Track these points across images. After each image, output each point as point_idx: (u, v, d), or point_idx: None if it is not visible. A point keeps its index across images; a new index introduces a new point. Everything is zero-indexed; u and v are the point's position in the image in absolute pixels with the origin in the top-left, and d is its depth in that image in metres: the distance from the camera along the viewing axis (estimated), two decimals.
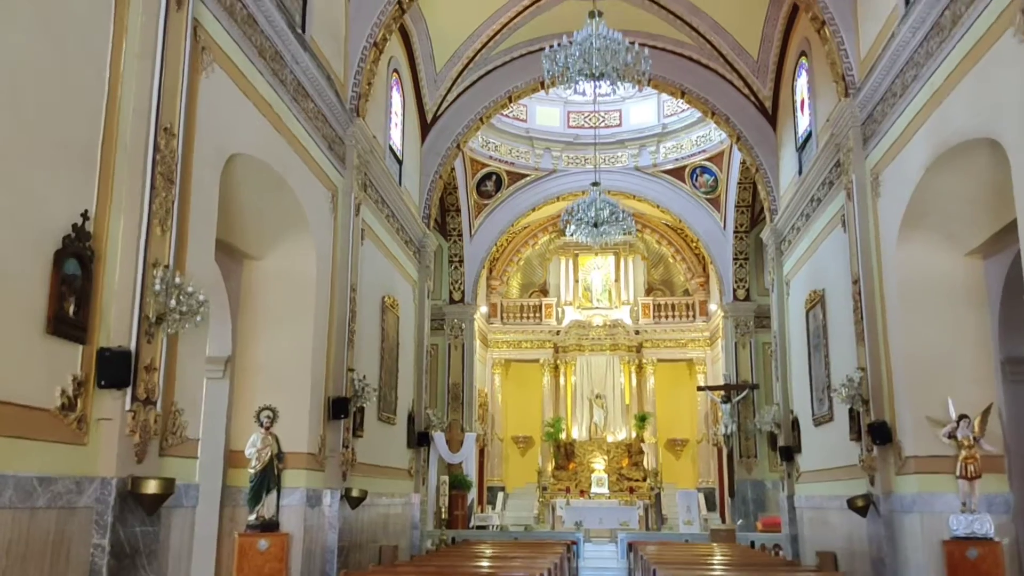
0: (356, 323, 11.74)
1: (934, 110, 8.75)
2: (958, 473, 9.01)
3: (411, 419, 15.48)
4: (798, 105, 14.74)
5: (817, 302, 13.38)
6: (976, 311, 9.54)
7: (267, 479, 9.43)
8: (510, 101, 17.45)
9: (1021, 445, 9.17)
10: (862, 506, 10.53)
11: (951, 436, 9.13)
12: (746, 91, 16.59)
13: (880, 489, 10.35)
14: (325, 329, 10.90)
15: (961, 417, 9.09)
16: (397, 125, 15.05)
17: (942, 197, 9.20)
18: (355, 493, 11.01)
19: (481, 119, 17.35)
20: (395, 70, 14.73)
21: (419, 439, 15.78)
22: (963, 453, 9.00)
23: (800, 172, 14.47)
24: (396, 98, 14.97)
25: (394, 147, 14.80)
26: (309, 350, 10.32)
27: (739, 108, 16.70)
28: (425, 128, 17.06)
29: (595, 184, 15.07)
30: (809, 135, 13.97)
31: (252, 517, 9.42)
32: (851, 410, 11.45)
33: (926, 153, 9.02)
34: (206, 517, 9.53)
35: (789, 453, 15.23)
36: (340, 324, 11.29)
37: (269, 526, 9.39)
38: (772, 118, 16.40)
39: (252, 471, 9.44)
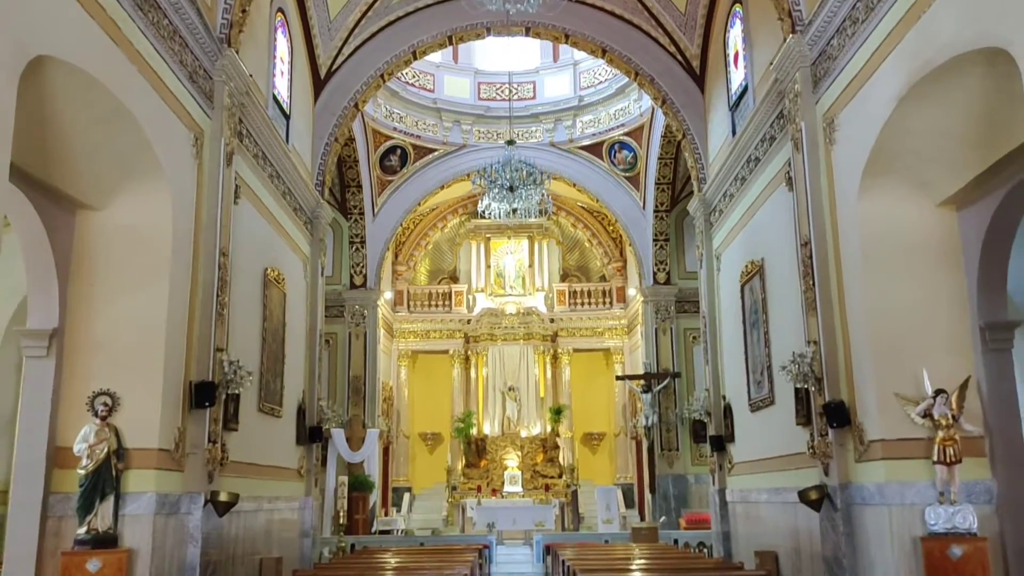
0: (228, 295, 9.83)
1: (910, 28, 7.43)
2: (935, 458, 7.74)
3: (301, 412, 13.58)
4: (731, 60, 13.45)
5: (754, 274, 12.08)
6: (950, 270, 8.30)
7: (101, 482, 7.52)
8: (415, 57, 15.69)
9: (1003, 423, 7.95)
10: (816, 499, 9.20)
11: (926, 415, 7.86)
12: (672, 49, 15.25)
13: (836, 479, 9.04)
14: (185, 299, 8.98)
15: (938, 392, 7.83)
16: (283, 74, 13.14)
17: (914, 136, 7.91)
18: (223, 497, 9.10)
19: (382, 76, 15.53)
20: (280, 9, 12.81)
21: (311, 435, 13.88)
22: (940, 434, 7.74)
23: (734, 133, 13.18)
24: (282, 43, 13.06)
25: (279, 98, 12.89)
26: (163, 324, 8.39)
27: (665, 69, 15.35)
28: (319, 84, 15.15)
29: (510, 143, 13.49)
30: (744, 90, 12.68)
31: (82, 530, 7.49)
32: (798, 391, 10.13)
33: (898, 83, 7.70)
34: (23, 532, 7.53)
35: (720, 443, 13.94)
36: (206, 295, 9.38)
37: (103, 541, 7.47)
38: (700, 79, 15.11)
39: (83, 472, 7.50)
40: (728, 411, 13.68)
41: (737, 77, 13.17)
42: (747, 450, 12.78)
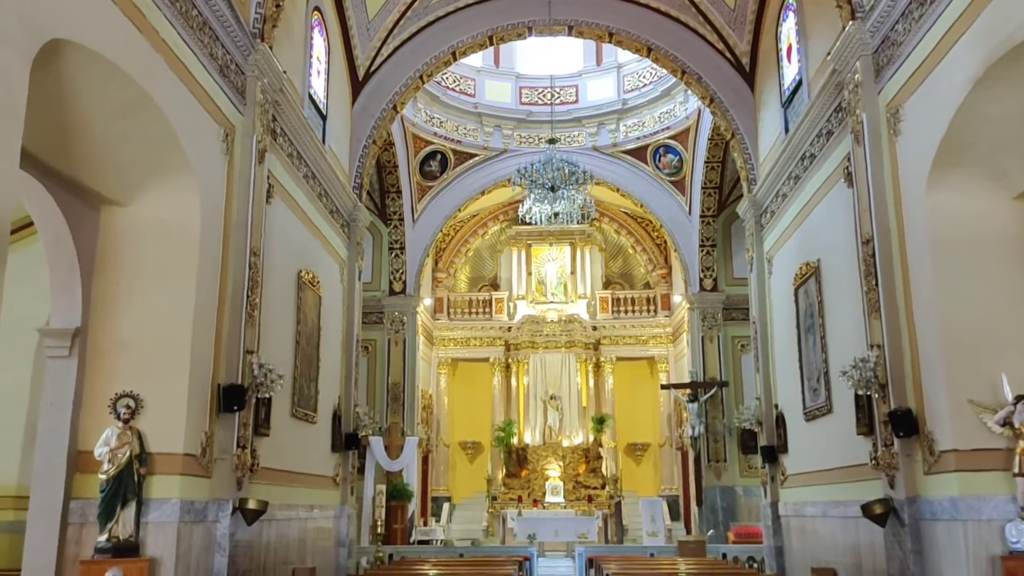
0: (259, 296, 9.50)
1: (986, 5, 6.84)
2: (1016, 470, 7.11)
3: (337, 418, 13.23)
4: (783, 54, 12.87)
5: (809, 276, 11.47)
6: None
7: (123, 488, 7.20)
8: (454, 58, 15.32)
9: None
10: (880, 513, 8.58)
11: (1006, 423, 7.23)
12: (721, 46, 14.69)
13: (903, 492, 8.41)
14: (214, 300, 8.65)
15: (1019, 399, 7.19)
16: (320, 73, 12.85)
17: (989, 123, 7.32)
18: (252, 505, 8.74)
19: (421, 77, 15.19)
20: (317, 7, 12.53)
21: (347, 442, 13.52)
22: (1021, 444, 7.09)
23: (787, 130, 12.59)
24: (319, 42, 12.77)
25: (315, 97, 12.60)
26: (189, 324, 8.05)
27: (713, 66, 14.79)
28: (356, 86, 14.86)
29: (551, 141, 13.03)
30: (799, 85, 12.09)
31: (103, 538, 7.16)
32: (859, 398, 9.52)
33: (972, 65, 7.11)
34: (43, 539, 7.23)
35: (773, 454, 13.29)
36: (236, 295, 9.05)
37: (124, 549, 7.14)
38: (750, 76, 14.53)
39: (104, 477, 7.18)
40: (781, 421, 13.04)
41: (790, 72, 12.59)
42: (802, 461, 12.13)
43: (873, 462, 9.18)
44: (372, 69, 14.93)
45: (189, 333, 8.02)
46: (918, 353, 8.31)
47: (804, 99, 11.69)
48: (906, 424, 8.31)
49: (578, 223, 21.01)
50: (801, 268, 11.80)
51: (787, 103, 12.67)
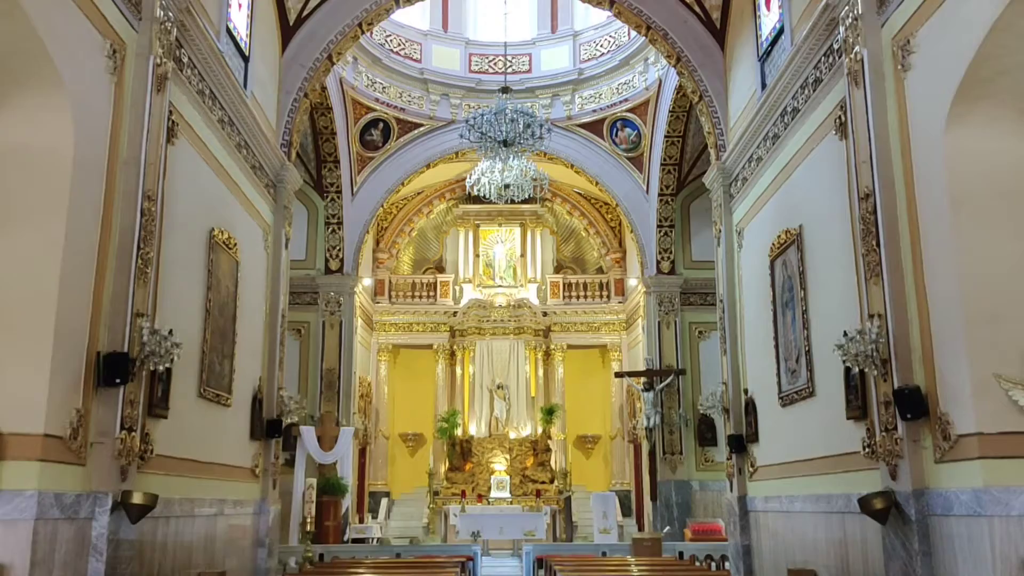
0: (155, 251, 7.96)
1: None
2: None
3: (257, 402, 11.69)
4: (761, 3, 11.69)
5: (789, 244, 10.29)
6: None
7: None
8: (397, 4, 13.81)
9: None
10: (881, 508, 7.39)
11: None
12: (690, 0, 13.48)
13: (908, 484, 7.23)
14: (92, 249, 7.11)
15: None
16: (241, 7, 11.28)
17: None
18: (137, 499, 7.21)
19: (360, 25, 13.65)
20: None
21: (269, 429, 11.98)
22: None
23: (763, 86, 11.41)
24: None
25: (235, 33, 11.03)
26: (55, 275, 6.50)
27: (680, 22, 13.54)
28: (287, 32, 13.30)
29: (504, 91, 11.64)
30: (779, 34, 10.91)
31: None
32: (850, 378, 8.37)
33: None
34: None
35: (741, 444, 12.10)
36: (124, 247, 7.50)
37: None
38: (720, 32, 13.33)
39: None
40: (750, 407, 11.87)
41: (769, 21, 11.41)
42: (775, 451, 10.96)
43: (867, 450, 8.02)
44: (304, 14, 13.37)
45: (55, 286, 6.48)
46: (929, 322, 7.13)
47: (786, 48, 10.51)
48: (914, 404, 7.13)
49: (530, 198, 19.86)
50: (779, 237, 10.62)
51: (764, 56, 11.49)
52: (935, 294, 7.05)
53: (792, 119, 10.23)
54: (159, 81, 8.05)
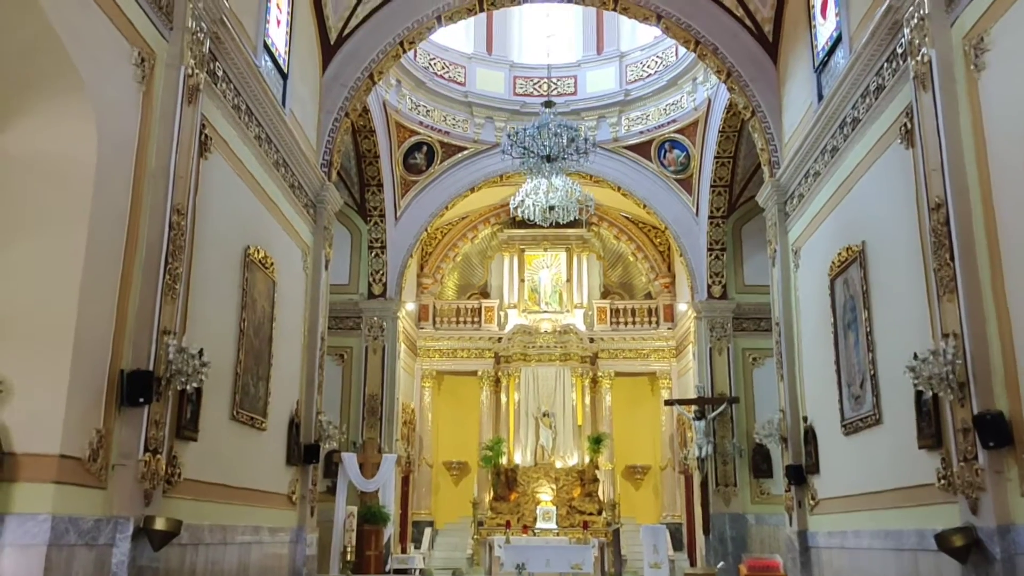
0: (184, 267, 7.68)
1: None
2: None
3: (294, 427, 11.36)
4: (817, 11, 11.19)
5: (851, 262, 9.69)
6: None
7: None
8: (439, 22, 13.57)
9: None
10: (961, 546, 6.74)
11: None
12: (740, 12, 13.00)
13: (992, 519, 6.58)
14: (116, 263, 6.84)
15: None
16: (280, 23, 11.11)
17: None
18: (160, 525, 6.86)
19: (401, 44, 13.44)
20: None
21: (306, 454, 11.64)
22: None
23: (820, 98, 10.87)
24: None
25: (273, 49, 10.84)
26: (75, 288, 6.24)
27: (730, 36, 13.08)
28: (328, 51, 13.13)
29: (548, 104, 11.24)
30: (836, 42, 10.39)
31: None
32: (922, 403, 7.75)
33: None
34: None
35: (800, 475, 11.45)
36: (151, 262, 7.23)
37: None
38: (773, 46, 12.84)
39: None
40: (810, 436, 11.21)
41: (825, 30, 10.89)
42: (838, 483, 10.29)
43: (943, 482, 7.40)
44: (345, 33, 13.20)
45: (75, 299, 6.20)
46: (1012, 341, 6.51)
47: (844, 56, 9.98)
48: (997, 432, 6.50)
49: (576, 221, 19.41)
50: (839, 255, 10.03)
51: (821, 67, 10.96)
52: (1019, 311, 6.44)
53: (852, 130, 9.68)
54: (190, 93, 7.81)
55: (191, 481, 8.07)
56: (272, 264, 10.43)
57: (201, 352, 7.57)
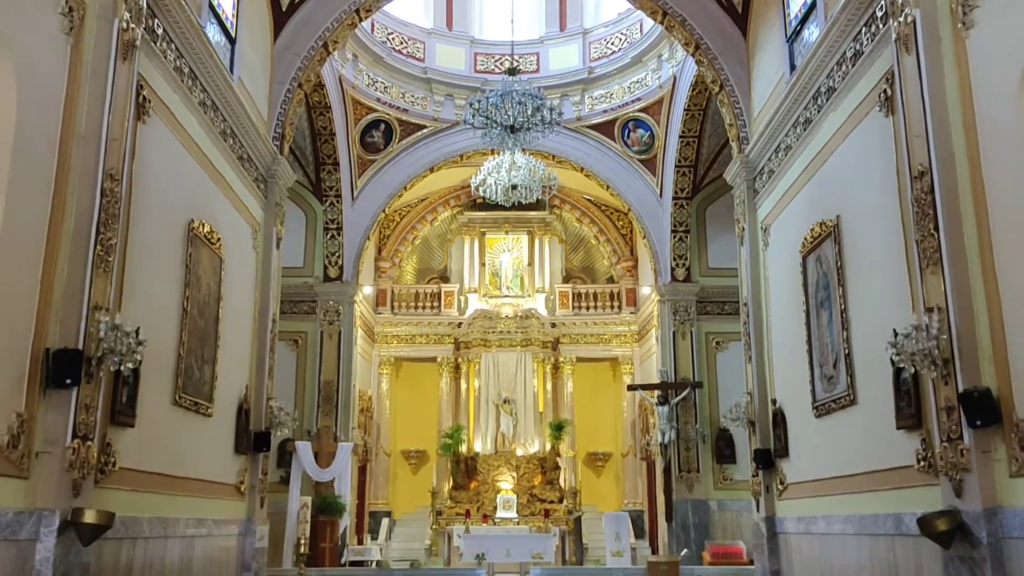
0: (118, 237, 7.07)
1: None
2: None
3: (243, 413, 10.77)
4: None
5: (824, 238, 9.37)
6: None
7: None
8: None
9: None
10: (945, 530, 6.42)
11: None
12: None
13: (978, 502, 6.26)
14: (40, 231, 6.24)
15: None
16: None
17: None
18: (90, 517, 6.28)
19: (357, 12, 12.82)
20: None
21: (256, 442, 11.07)
22: None
23: (792, 69, 10.53)
24: None
25: (220, 10, 10.20)
26: None
27: (699, 7, 12.66)
28: (279, 18, 12.49)
29: (512, 72, 10.73)
30: (811, 8, 10.03)
31: None
32: (901, 382, 7.44)
33: None
34: None
35: (768, 459, 11.15)
36: (79, 231, 6.61)
37: None
38: (742, 17, 12.47)
39: None
40: (779, 419, 10.91)
41: None
42: (808, 467, 9.99)
43: (923, 463, 7.11)
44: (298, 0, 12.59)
45: None
46: (1001, 315, 6.19)
47: (819, 23, 9.63)
48: (985, 410, 6.18)
49: (538, 202, 18.97)
50: (812, 231, 9.70)
51: (793, 36, 10.62)
52: (1008, 282, 6.12)
53: (827, 100, 9.34)
54: (125, 48, 7.19)
55: (128, 470, 7.49)
56: (219, 240, 9.82)
57: (137, 331, 6.98)
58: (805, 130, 10.00)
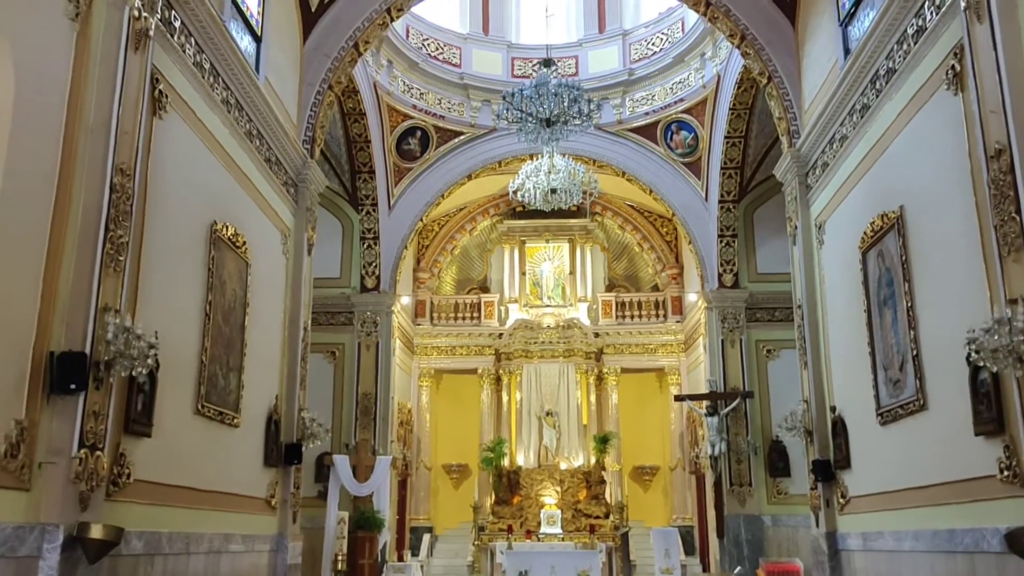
0: (130, 236, 6.68)
1: None
2: None
3: (273, 423, 10.37)
4: None
5: (886, 231, 8.69)
6: None
7: None
8: None
9: None
10: None
11: None
12: None
13: None
14: (42, 227, 5.87)
15: None
16: None
17: None
18: (96, 533, 5.86)
19: (389, 11, 12.48)
20: None
21: (287, 454, 10.66)
22: None
23: (847, 53, 9.89)
24: None
25: (244, 7, 9.87)
26: None
27: None
28: (309, 19, 12.16)
29: (547, 63, 10.22)
30: None
31: None
32: (981, 382, 6.74)
33: None
34: None
35: (828, 471, 10.44)
36: (87, 228, 6.23)
37: None
38: (790, 5, 11.85)
39: None
40: (839, 428, 10.20)
41: None
42: (873, 478, 9.28)
43: (1006, 473, 6.39)
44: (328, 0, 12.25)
45: None
46: None
47: (874, 2, 8.99)
48: None
49: (579, 208, 18.45)
50: (872, 224, 9.03)
51: (847, 19, 9.98)
52: None
53: (887, 83, 8.69)
54: (137, 38, 6.83)
55: (145, 483, 7.09)
56: (244, 244, 9.44)
57: (156, 335, 6.59)
58: (862, 117, 9.35)
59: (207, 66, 8.59)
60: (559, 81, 9.80)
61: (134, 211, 6.72)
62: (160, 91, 7.42)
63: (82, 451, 5.96)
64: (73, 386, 5.83)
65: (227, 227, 8.98)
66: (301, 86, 11.98)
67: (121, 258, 6.49)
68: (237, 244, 9.23)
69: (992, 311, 6.30)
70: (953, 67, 7.19)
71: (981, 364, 6.25)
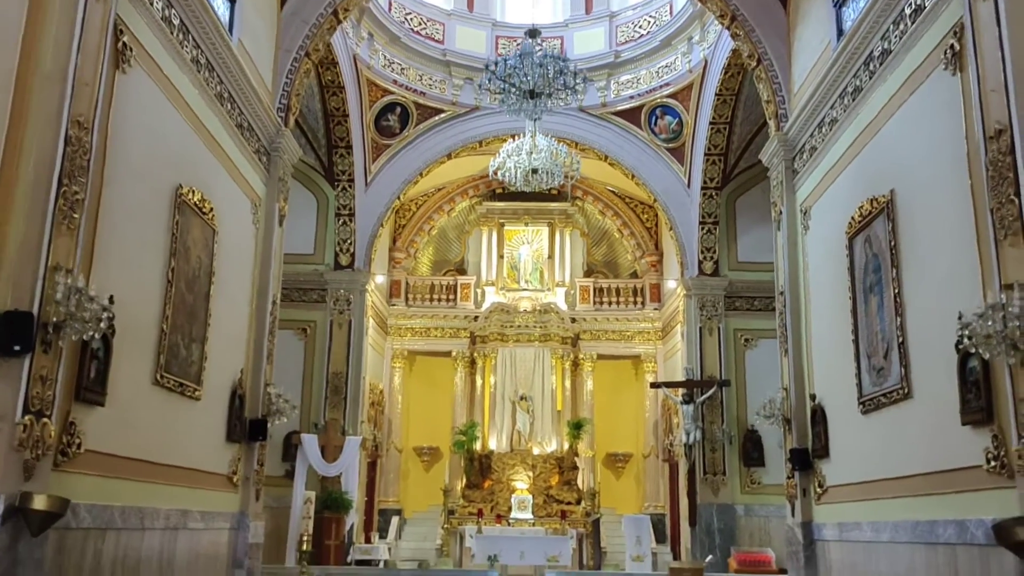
0: (86, 193, 6.29)
1: None
2: None
3: (237, 398, 10.01)
4: None
5: (874, 216, 8.47)
6: None
7: None
8: None
9: None
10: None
11: None
12: None
13: None
14: None
15: None
16: None
17: None
18: (39, 503, 5.51)
19: None
20: None
21: (251, 429, 10.31)
22: None
23: (840, 34, 9.65)
24: None
25: None
26: None
27: None
28: None
29: (532, 34, 9.89)
30: None
31: None
32: (970, 370, 6.53)
33: None
34: None
35: (806, 460, 10.25)
36: (38, 181, 5.83)
37: None
38: None
39: None
40: (818, 416, 10.01)
41: None
42: (852, 468, 9.09)
43: (994, 463, 6.20)
44: None
45: None
46: None
47: None
48: None
49: (559, 192, 18.19)
50: (861, 209, 8.81)
51: (841, 0, 9.73)
52: None
53: (880, 64, 8.45)
54: None
55: (97, 453, 6.74)
56: (212, 210, 9.06)
57: (112, 299, 6.22)
58: (854, 100, 9.12)
59: (176, 22, 8.19)
60: (545, 52, 9.50)
61: (91, 167, 6.33)
62: (124, 43, 7.02)
63: (27, 417, 5.60)
64: (18, 347, 5.45)
65: (193, 191, 8.60)
66: (277, 52, 11.57)
67: (76, 215, 6.11)
68: (204, 210, 8.85)
69: (985, 296, 6.07)
70: (952, 46, 6.96)
71: (972, 351, 6.04)
